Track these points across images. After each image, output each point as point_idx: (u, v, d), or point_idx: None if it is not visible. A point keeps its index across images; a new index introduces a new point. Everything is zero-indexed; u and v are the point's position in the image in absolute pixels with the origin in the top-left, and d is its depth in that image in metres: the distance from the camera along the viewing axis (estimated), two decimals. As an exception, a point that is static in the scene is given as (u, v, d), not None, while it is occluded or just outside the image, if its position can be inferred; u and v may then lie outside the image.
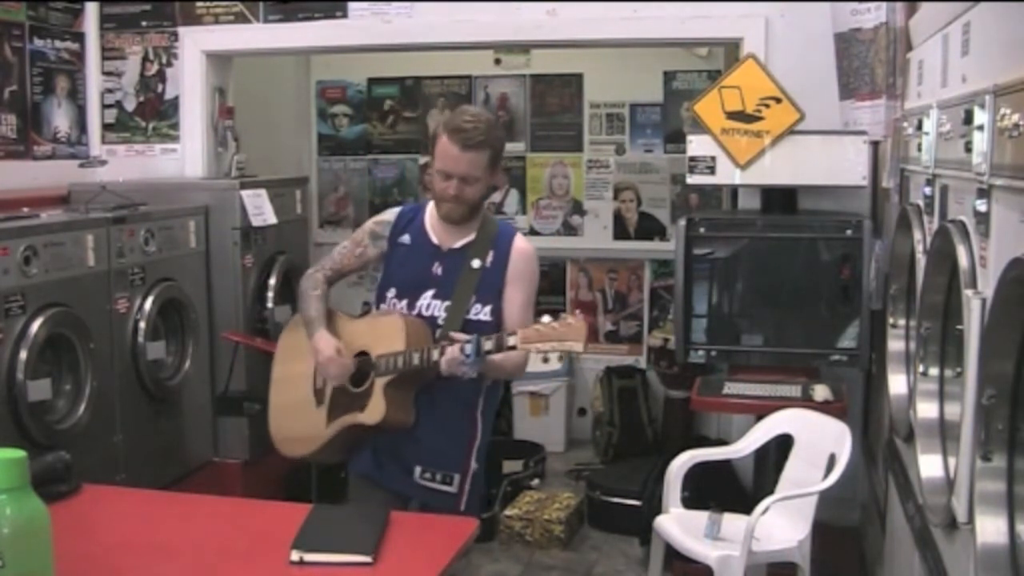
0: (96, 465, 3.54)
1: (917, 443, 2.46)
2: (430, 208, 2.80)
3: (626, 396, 5.70)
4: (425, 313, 2.71)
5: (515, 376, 3.01)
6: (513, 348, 2.51)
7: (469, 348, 2.50)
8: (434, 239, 2.77)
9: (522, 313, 2.75)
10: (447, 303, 2.70)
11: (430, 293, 2.72)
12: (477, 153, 2.63)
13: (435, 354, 2.56)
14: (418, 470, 2.70)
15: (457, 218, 2.71)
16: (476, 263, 2.71)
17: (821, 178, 3.85)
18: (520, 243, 2.79)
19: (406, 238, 2.79)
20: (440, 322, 2.69)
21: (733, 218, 4.23)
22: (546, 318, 2.50)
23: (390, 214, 2.86)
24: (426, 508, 2.66)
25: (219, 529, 2.24)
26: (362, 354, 2.73)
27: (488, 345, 2.52)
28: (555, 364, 5.86)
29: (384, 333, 2.68)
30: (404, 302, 2.73)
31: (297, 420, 2.83)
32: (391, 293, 2.76)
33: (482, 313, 2.70)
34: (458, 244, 2.75)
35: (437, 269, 2.74)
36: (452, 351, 2.52)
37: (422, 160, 6.31)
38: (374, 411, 2.64)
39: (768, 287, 3.95)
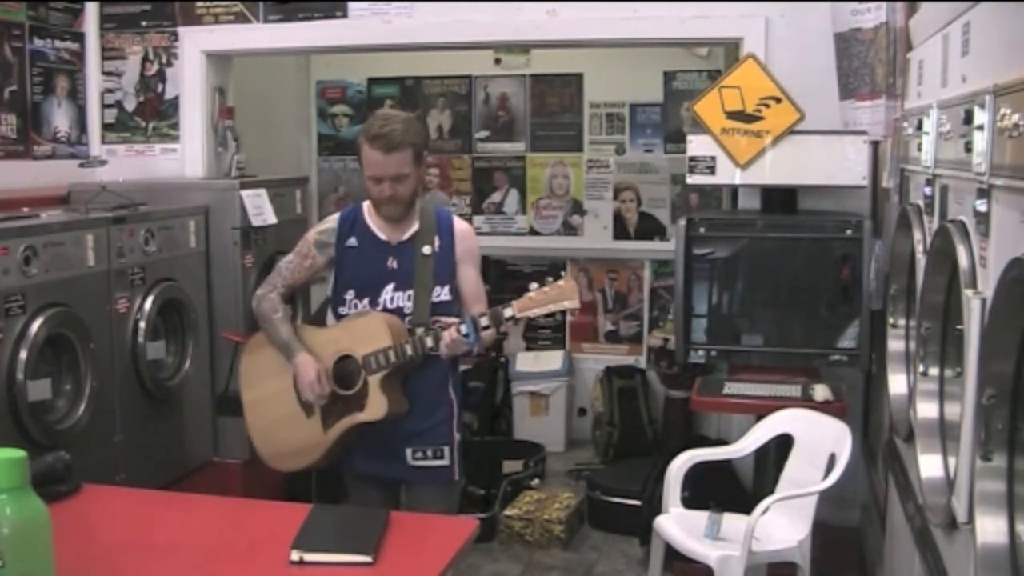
0: (96, 465, 3.54)
1: (917, 443, 2.46)
2: (366, 209, 2.95)
3: (626, 396, 5.70)
4: (390, 306, 2.85)
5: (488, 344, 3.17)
6: (512, 319, 2.68)
7: (466, 328, 2.66)
8: (382, 236, 2.91)
9: (477, 285, 2.97)
10: (409, 292, 2.84)
11: (391, 286, 2.86)
12: (400, 153, 2.77)
13: (428, 342, 2.73)
14: (409, 452, 2.85)
15: (398, 216, 2.86)
16: (427, 250, 2.87)
17: (821, 178, 3.85)
18: (460, 224, 2.98)
19: (353, 241, 2.92)
20: (407, 311, 2.84)
21: (733, 218, 4.23)
22: (534, 285, 2.65)
23: (331, 221, 2.98)
24: (423, 486, 2.85)
25: (219, 529, 2.24)
26: (344, 358, 2.83)
27: (484, 321, 2.69)
28: (555, 364, 5.87)
29: (365, 333, 2.80)
30: (366, 300, 2.87)
31: (290, 435, 2.92)
32: (350, 295, 2.89)
33: (443, 294, 2.86)
34: (406, 236, 2.90)
35: (392, 263, 2.87)
36: (450, 334, 2.68)
37: (422, 160, 6.31)
38: (376, 408, 2.78)
39: (768, 287, 3.96)
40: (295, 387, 2.91)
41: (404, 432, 2.85)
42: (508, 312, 2.67)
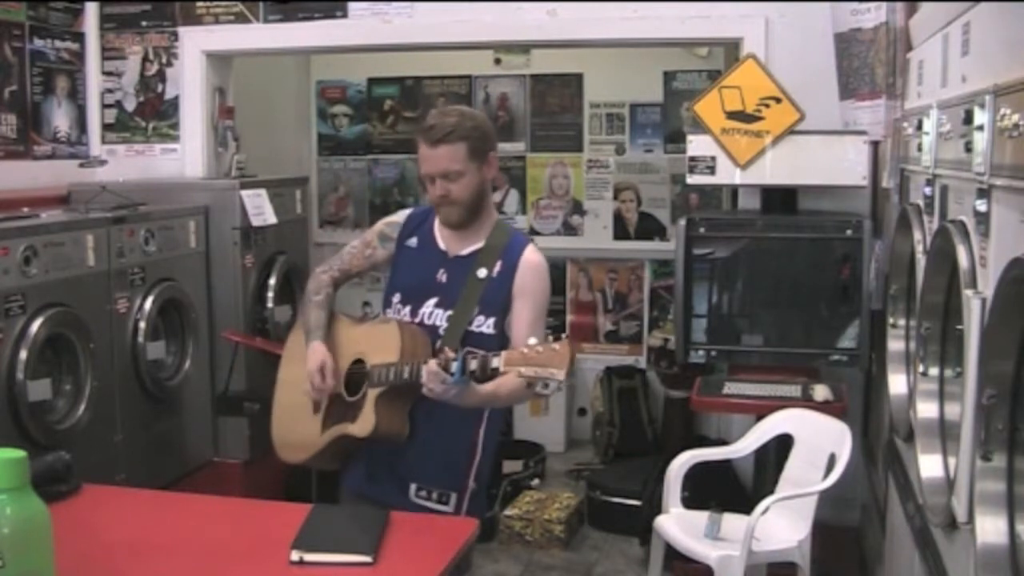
0: (96, 465, 3.54)
1: (917, 443, 2.46)
2: None
3: (626, 396, 5.70)
4: (428, 322, 2.59)
5: (512, 403, 2.76)
6: (496, 371, 2.32)
7: (455, 366, 2.32)
8: (441, 244, 2.65)
9: (530, 330, 2.51)
10: (448, 312, 2.56)
11: (433, 301, 2.59)
12: (449, 146, 2.50)
13: (424, 373, 2.40)
14: (413, 488, 2.57)
15: (455, 221, 2.58)
16: (482, 272, 2.57)
17: (821, 178, 3.85)
18: (531, 255, 2.61)
19: (413, 241, 2.70)
20: (441, 332, 2.56)
21: (733, 218, 4.23)
22: (532, 340, 2.31)
23: (400, 215, 2.77)
24: None
25: (219, 529, 2.24)
26: (359, 362, 2.63)
27: (473, 365, 2.33)
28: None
29: (380, 342, 2.56)
30: (408, 308, 2.63)
31: (295, 425, 2.74)
32: (396, 298, 2.67)
33: (485, 326, 2.54)
34: (465, 251, 2.62)
35: (442, 276, 2.61)
36: (431, 366, 2.33)
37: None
38: (364, 423, 2.52)
39: (768, 287, 3.96)
40: None
41: (414, 463, 2.57)
42: (495, 362, 2.31)
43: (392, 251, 2.73)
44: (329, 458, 2.70)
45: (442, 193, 2.53)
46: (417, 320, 2.60)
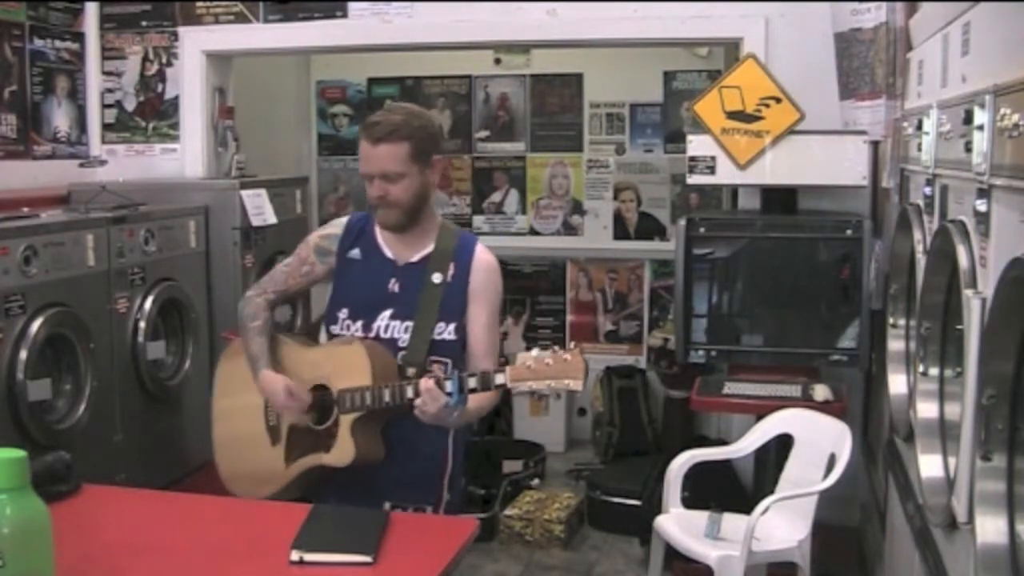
0: (96, 465, 3.53)
1: (917, 443, 2.46)
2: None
3: (626, 396, 5.70)
4: (384, 335, 2.48)
5: (484, 413, 2.60)
6: (503, 387, 2.24)
7: (451, 386, 2.24)
8: (388, 253, 2.54)
9: (487, 333, 2.52)
10: (408, 323, 2.47)
11: (388, 313, 2.49)
12: (390, 145, 2.39)
13: (409, 391, 2.33)
14: (388, 506, 2.44)
15: (393, 224, 2.48)
16: (437, 278, 2.48)
17: (821, 178, 3.85)
18: (482, 254, 2.54)
19: (356, 252, 2.56)
20: (402, 344, 2.47)
21: (733, 218, 4.23)
22: (535, 351, 2.23)
23: (337, 226, 2.63)
24: None
25: (219, 529, 2.24)
26: (321, 387, 2.49)
27: (473, 383, 2.26)
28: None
29: (346, 365, 2.43)
30: (360, 323, 2.51)
31: (250, 458, 2.58)
32: (343, 314, 2.53)
33: (447, 332, 2.48)
34: (415, 257, 2.52)
35: (394, 286, 2.51)
36: (428, 386, 2.25)
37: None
38: (343, 453, 2.42)
39: (768, 287, 3.96)
40: (265, 408, 2.58)
41: (383, 479, 2.47)
42: (500, 379, 2.23)
43: (332, 265, 2.59)
44: (295, 490, 2.54)
45: (380, 194, 2.43)
46: (372, 334, 2.49)
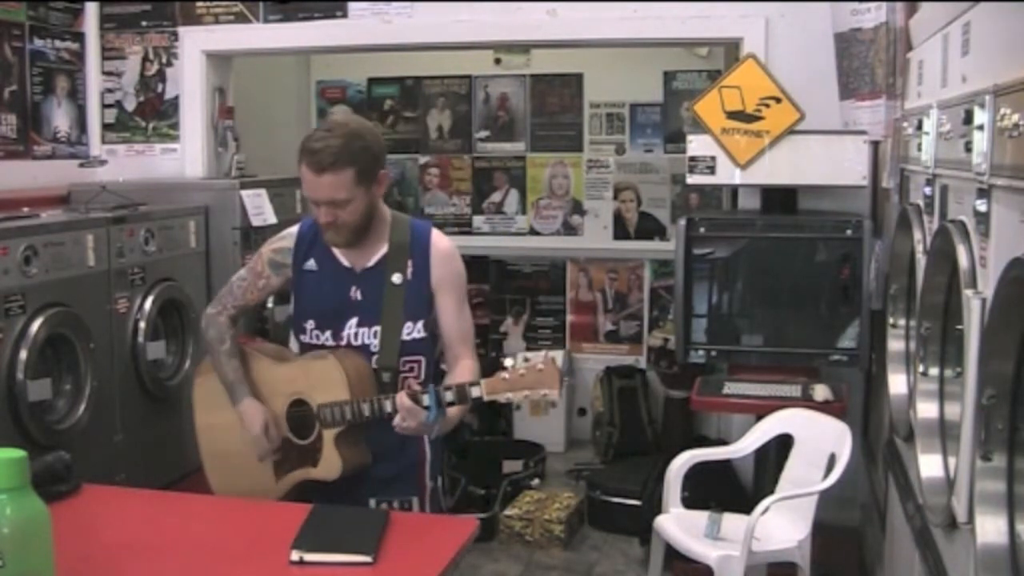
0: (96, 465, 3.54)
1: (917, 443, 2.46)
2: None
3: (626, 396, 5.70)
4: (355, 343, 2.48)
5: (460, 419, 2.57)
6: (479, 399, 2.26)
7: (428, 399, 2.26)
8: (344, 261, 2.51)
9: (458, 319, 2.51)
10: (376, 328, 2.47)
11: (354, 321, 2.48)
12: (335, 174, 2.33)
13: (388, 405, 2.35)
14: (373, 502, 2.48)
15: (343, 243, 2.46)
16: (397, 278, 2.47)
17: (821, 178, 3.85)
18: (439, 243, 2.52)
19: (312, 263, 2.53)
20: (373, 349, 2.47)
21: (733, 218, 4.22)
22: (509, 361, 2.26)
23: (288, 239, 2.58)
24: None
25: (219, 529, 2.24)
26: (299, 402, 2.49)
27: (450, 396, 2.28)
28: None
29: (322, 380, 2.43)
30: (328, 333, 2.51)
31: (241, 474, 2.58)
32: (310, 324, 2.53)
33: (415, 331, 2.48)
34: (371, 262, 2.50)
35: (356, 294, 2.49)
36: (404, 401, 2.27)
37: (422, 160, 6.33)
38: (330, 467, 2.44)
39: (768, 287, 3.96)
40: None
41: (366, 478, 2.48)
42: (476, 391, 2.25)
43: (289, 276, 2.57)
44: (292, 499, 2.55)
45: (329, 220, 2.40)
46: (342, 343, 2.50)
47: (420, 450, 2.55)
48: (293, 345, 2.69)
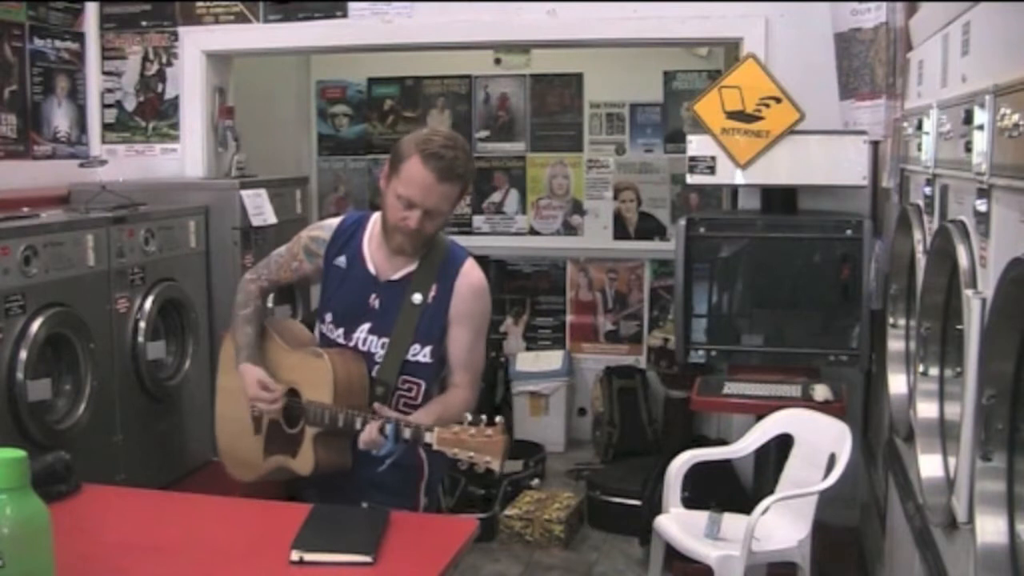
0: (96, 465, 3.53)
1: (917, 443, 2.46)
2: (372, 224, 2.53)
3: (626, 396, 5.70)
4: (362, 347, 2.49)
5: None
6: (429, 446, 2.26)
7: (388, 429, 2.29)
8: (371, 267, 2.50)
9: (469, 355, 2.49)
10: (384, 339, 2.46)
11: (366, 327, 2.48)
12: (453, 186, 2.34)
13: (358, 423, 2.35)
14: (364, 506, 2.46)
15: (411, 252, 2.44)
16: (417, 298, 2.44)
17: (821, 178, 3.85)
18: (469, 275, 2.48)
19: (342, 260, 2.53)
20: (378, 359, 2.47)
21: (733, 218, 4.23)
22: (468, 416, 2.24)
23: (326, 230, 2.59)
24: None
25: (219, 529, 2.24)
26: (293, 392, 2.52)
27: (407, 434, 2.28)
28: (555, 364, 5.85)
29: (313, 377, 2.45)
30: (341, 331, 2.51)
31: (239, 441, 2.64)
32: (329, 317, 2.54)
33: (421, 354, 2.46)
34: (397, 275, 2.48)
35: (374, 302, 2.48)
36: (370, 430, 2.30)
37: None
38: (304, 462, 2.46)
39: (768, 287, 3.96)
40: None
41: (361, 486, 2.47)
42: (428, 437, 2.25)
43: (320, 266, 2.58)
44: (273, 481, 2.64)
45: (417, 227, 2.36)
46: (352, 343, 2.50)
47: (418, 467, 2.54)
48: (317, 334, 2.70)
